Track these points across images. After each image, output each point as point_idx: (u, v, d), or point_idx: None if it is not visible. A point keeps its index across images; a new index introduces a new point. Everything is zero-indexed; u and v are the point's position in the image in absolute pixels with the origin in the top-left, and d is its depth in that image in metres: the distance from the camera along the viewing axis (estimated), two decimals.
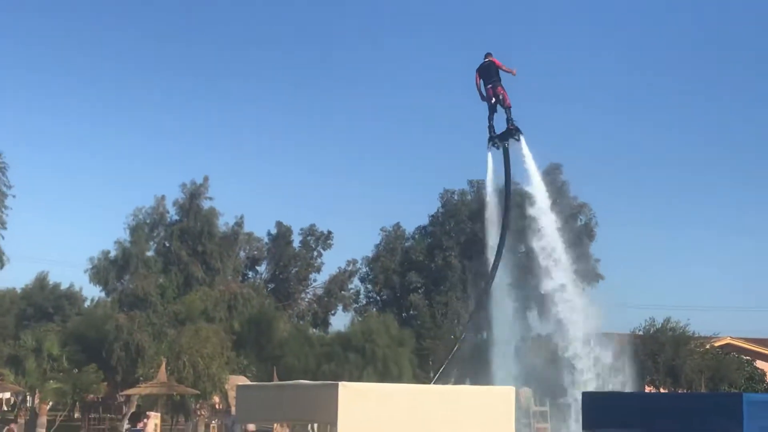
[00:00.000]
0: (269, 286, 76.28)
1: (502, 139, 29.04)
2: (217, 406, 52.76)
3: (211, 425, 50.12)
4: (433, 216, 75.22)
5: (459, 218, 72.37)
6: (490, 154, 30.86)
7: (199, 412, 52.35)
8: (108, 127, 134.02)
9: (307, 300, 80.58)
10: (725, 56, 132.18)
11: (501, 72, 28.34)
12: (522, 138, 29.60)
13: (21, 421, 45.59)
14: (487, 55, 27.93)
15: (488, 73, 28.03)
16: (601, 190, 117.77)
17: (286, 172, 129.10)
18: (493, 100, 28.22)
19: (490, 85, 28.20)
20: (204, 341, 54.08)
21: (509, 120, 28.47)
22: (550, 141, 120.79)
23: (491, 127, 28.88)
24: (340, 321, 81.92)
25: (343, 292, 79.19)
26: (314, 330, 72.57)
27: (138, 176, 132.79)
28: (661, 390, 66.43)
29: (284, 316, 69.00)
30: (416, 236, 76.31)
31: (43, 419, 56.16)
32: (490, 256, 33.23)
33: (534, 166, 32.11)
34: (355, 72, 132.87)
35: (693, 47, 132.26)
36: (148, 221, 65.71)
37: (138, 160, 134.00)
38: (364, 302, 78.59)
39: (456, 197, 73.99)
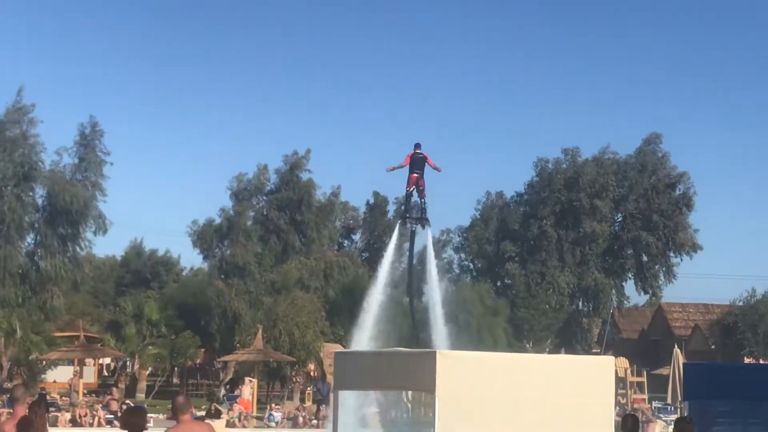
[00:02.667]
0: (364, 255, 76.57)
1: (413, 223, 31.31)
2: (312, 374, 53.21)
3: (307, 392, 50.56)
4: (528, 184, 74.74)
5: (554, 187, 71.78)
6: (396, 231, 34.00)
7: (294, 380, 52.89)
8: (214, 96, 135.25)
9: (400, 269, 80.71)
10: None
11: (427, 167, 30.56)
12: (429, 229, 32.19)
13: (121, 386, 46.56)
14: (417, 146, 30.12)
15: (417, 164, 29.95)
16: (702, 159, 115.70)
17: (384, 143, 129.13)
18: (413, 189, 30.18)
19: (416, 175, 30.02)
20: (299, 309, 54.58)
21: (423, 210, 30.67)
22: (651, 109, 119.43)
23: (406, 208, 31.51)
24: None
25: (436, 260, 79.10)
26: (407, 299, 72.59)
27: (238, 147, 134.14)
28: (761, 361, 65.26)
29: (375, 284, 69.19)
30: (512, 205, 75.90)
31: (142, 384, 57.33)
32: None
33: (432, 254, 34.94)
34: (452, 43, 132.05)
35: None
36: (248, 189, 66.38)
37: (238, 129, 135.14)
38: (458, 272, 78.51)
39: (551, 166, 73.36)
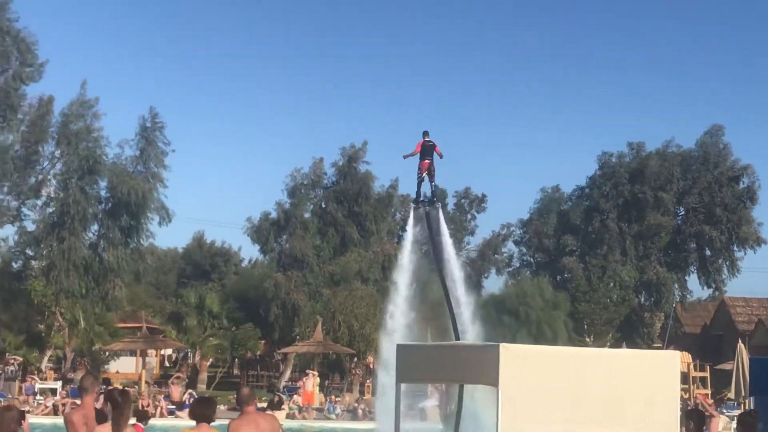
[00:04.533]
0: (423, 248, 76.44)
1: (426, 205, 32.41)
2: (371, 366, 53.31)
3: (366, 384, 50.67)
4: (590, 178, 74.15)
5: (617, 180, 71.17)
6: (412, 213, 35.27)
7: (354, 372, 53.03)
8: (269, 88, 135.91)
9: (460, 263, 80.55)
10: None
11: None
12: (440, 209, 33.59)
13: (182, 376, 46.95)
14: (426, 134, 31.75)
15: (427, 150, 31.62)
16: (764, 152, 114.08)
17: (442, 136, 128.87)
18: (424, 174, 31.75)
19: (427, 161, 31.55)
20: (358, 301, 54.72)
21: (434, 193, 32.34)
22: (714, 100, 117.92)
23: (418, 193, 32.46)
24: (493, 284, 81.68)
25: (496, 255, 78.90)
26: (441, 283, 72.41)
27: (295, 139, 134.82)
28: None
29: (437, 278, 69.09)
30: (573, 198, 75.38)
31: (203, 375, 57.77)
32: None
33: (447, 231, 35.76)
34: (512, 36, 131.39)
35: None
36: (305, 183, 66.51)
37: (296, 122, 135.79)
38: (518, 265, 78.18)
39: (614, 159, 72.73)
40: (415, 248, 37.73)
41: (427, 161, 31.60)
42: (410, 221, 36.77)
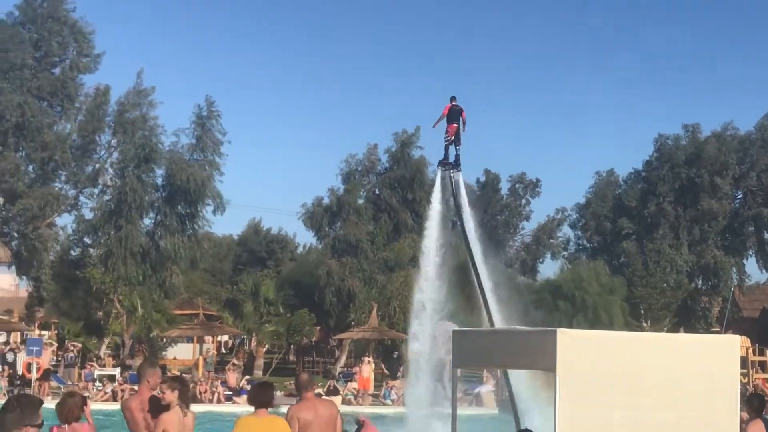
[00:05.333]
0: (479, 233, 76.19)
1: (451, 167, 33.17)
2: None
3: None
4: (647, 161, 73.47)
5: (674, 163, 70.44)
6: (439, 173, 35.14)
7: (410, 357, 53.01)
8: (323, 76, 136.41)
9: (515, 248, 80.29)
10: None
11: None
12: (461, 174, 34.06)
13: (239, 363, 47.28)
14: (453, 99, 32.43)
15: (454, 115, 32.21)
16: None
17: (496, 120, 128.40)
18: (451, 138, 32.29)
19: (455, 125, 32.06)
20: (414, 287, 54.67)
21: (458, 157, 32.87)
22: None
23: (446, 156, 32.96)
24: (548, 269, 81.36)
25: (551, 240, 78.53)
26: (522, 278, 72.26)
27: (349, 125, 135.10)
28: None
29: (492, 263, 68.88)
30: (629, 182, 74.74)
31: (259, 361, 58.16)
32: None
33: (467, 199, 36.24)
34: (561, 20, 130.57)
35: None
36: (359, 169, 66.54)
37: (350, 109, 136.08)
38: (574, 250, 77.72)
39: (670, 142, 71.97)
40: (442, 211, 38.15)
41: (454, 125, 32.10)
42: (437, 184, 37.15)
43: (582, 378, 10.41)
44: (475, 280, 31.94)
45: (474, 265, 32.35)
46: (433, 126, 32.97)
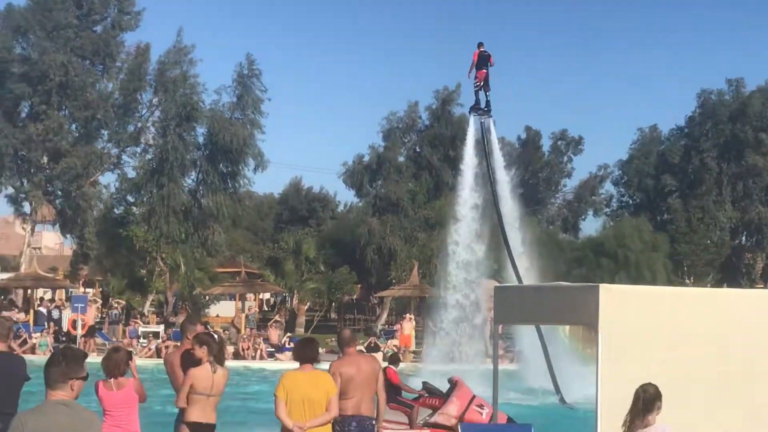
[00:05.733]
0: (518, 191, 75.96)
1: (482, 113, 33.26)
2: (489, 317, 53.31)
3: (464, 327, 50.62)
4: (690, 117, 72.72)
5: (717, 119, 69.67)
6: (472, 119, 35.85)
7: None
8: (362, 33, 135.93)
9: (557, 205, 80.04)
10: None
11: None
12: (492, 120, 34.30)
13: (281, 320, 47.51)
14: (481, 44, 32.36)
15: (483, 60, 32.33)
16: None
17: (537, 76, 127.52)
18: (481, 83, 32.37)
19: (484, 71, 32.16)
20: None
21: (488, 103, 32.86)
22: None
23: (477, 101, 33.03)
24: (590, 226, 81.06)
25: (593, 197, 78.16)
26: (564, 235, 72.04)
27: (390, 83, 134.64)
28: None
29: (534, 221, 68.70)
30: (672, 138, 74.09)
31: (301, 319, 58.45)
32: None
33: (497, 145, 37.32)
34: None
35: None
36: (400, 126, 66.35)
37: (391, 66, 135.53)
38: (616, 207, 77.34)
39: (714, 97, 71.12)
40: (475, 155, 38.43)
41: (483, 71, 32.22)
42: (470, 130, 38.20)
43: (624, 333, 10.39)
44: (500, 230, 32.29)
45: (499, 212, 32.74)
46: (468, 75, 33.08)
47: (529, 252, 36.25)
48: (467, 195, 38.05)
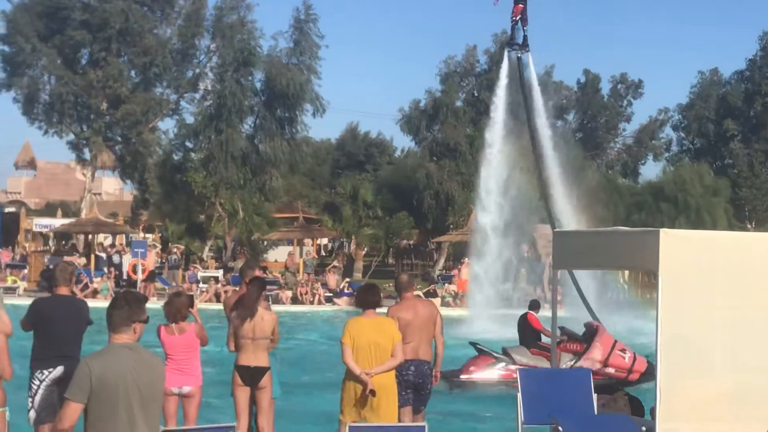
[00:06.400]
0: (577, 135, 75.37)
1: (519, 48, 32.66)
2: (525, 255, 53.15)
3: (521, 273, 50.63)
4: (751, 60, 71.45)
5: None
6: (506, 54, 35.53)
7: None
8: None
9: (616, 150, 79.29)
10: None
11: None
12: (530, 55, 33.81)
13: (339, 265, 47.76)
14: None
15: None
16: None
17: (596, 19, 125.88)
18: (518, 18, 31.65)
19: (521, 6, 31.39)
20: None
21: (525, 38, 32.24)
22: None
23: (513, 37, 32.55)
24: (650, 171, 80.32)
25: (653, 141, 77.31)
26: (624, 180, 71.43)
27: (448, 27, 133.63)
28: None
29: (593, 165, 68.16)
30: (733, 81, 72.89)
31: (359, 264, 58.71)
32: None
33: (536, 80, 36.94)
34: None
35: None
36: (458, 71, 65.93)
37: (449, 10, 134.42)
38: (676, 151, 76.48)
39: None
40: (509, 92, 38.40)
41: (520, 5, 31.54)
42: (503, 67, 37.79)
43: (685, 278, 10.31)
44: (537, 170, 32.18)
45: (536, 151, 32.63)
46: (495, 3, 32.60)
47: (577, 194, 36.46)
48: (498, 140, 38.16)
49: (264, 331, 10.94)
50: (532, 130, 33.73)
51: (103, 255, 45.28)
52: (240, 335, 10.90)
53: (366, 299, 10.88)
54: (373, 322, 10.70)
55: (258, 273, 12.20)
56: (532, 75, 36.20)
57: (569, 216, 35.27)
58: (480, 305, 36.01)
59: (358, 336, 10.53)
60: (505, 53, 35.70)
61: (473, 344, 19.66)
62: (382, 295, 11.19)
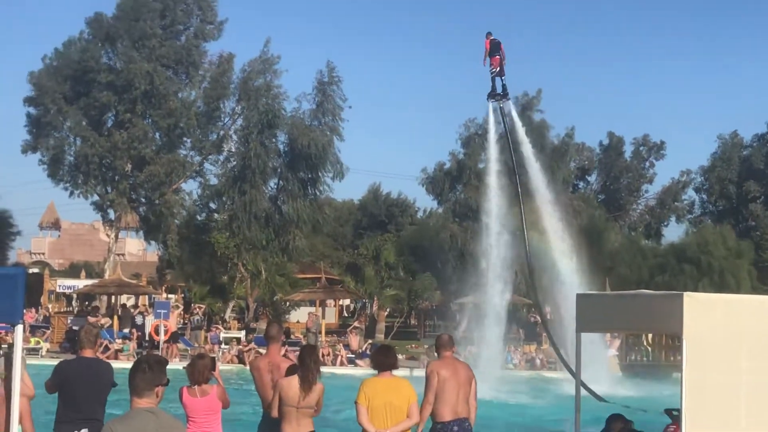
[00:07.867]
0: (600, 197, 75.36)
1: (499, 98, 34.29)
2: (549, 316, 52.99)
3: (544, 335, 50.37)
4: None
5: None
6: (490, 105, 36.30)
7: (531, 319, 52.80)
8: (440, 39, 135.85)
9: (638, 211, 79.17)
10: None
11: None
12: (510, 102, 35.76)
13: (361, 326, 47.67)
14: (489, 33, 33.19)
15: (495, 47, 33.16)
16: None
17: (618, 81, 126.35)
18: (497, 69, 33.28)
19: (498, 57, 33.08)
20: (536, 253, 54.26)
21: (504, 87, 33.96)
22: None
23: (494, 88, 33.84)
24: (673, 232, 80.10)
25: (676, 203, 77.19)
26: (647, 241, 71.23)
27: (467, 88, 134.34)
28: None
29: (615, 227, 68.03)
30: (755, 144, 72.91)
31: (381, 325, 58.58)
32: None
33: (521, 126, 38.55)
34: None
35: None
36: (479, 132, 66.22)
37: (468, 72, 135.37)
38: (699, 213, 76.30)
39: None
40: (498, 144, 39.32)
41: (497, 57, 33.16)
42: (489, 117, 39.10)
43: (709, 341, 10.26)
44: (521, 219, 32.90)
45: (519, 198, 33.36)
46: (483, 63, 33.70)
47: (576, 242, 37.52)
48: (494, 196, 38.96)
49: (310, 401, 10.88)
50: (518, 175, 34.97)
51: (128, 314, 45.39)
52: (286, 403, 10.84)
53: (382, 360, 10.92)
54: (389, 383, 10.72)
55: (281, 335, 12.19)
56: (516, 121, 37.81)
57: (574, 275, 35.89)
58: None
59: (374, 396, 10.55)
60: (489, 104, 36.64)
61: (668, 411, 17.01)
62: (403, 356, 11.26)
